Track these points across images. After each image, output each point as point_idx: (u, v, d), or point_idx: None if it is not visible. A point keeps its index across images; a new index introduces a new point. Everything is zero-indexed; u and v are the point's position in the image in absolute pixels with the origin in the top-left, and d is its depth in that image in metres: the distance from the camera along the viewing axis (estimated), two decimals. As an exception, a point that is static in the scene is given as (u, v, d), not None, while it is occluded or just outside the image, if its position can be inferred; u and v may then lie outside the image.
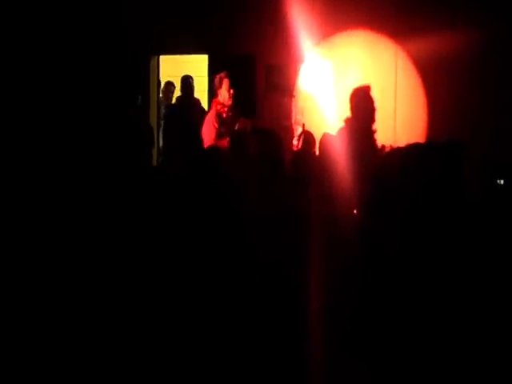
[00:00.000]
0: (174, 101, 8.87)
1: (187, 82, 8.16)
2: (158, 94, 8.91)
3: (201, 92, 8.66)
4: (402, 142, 4.87)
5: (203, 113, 8.14)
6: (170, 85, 9.29)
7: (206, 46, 8.35)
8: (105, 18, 8.42)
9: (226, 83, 6.57)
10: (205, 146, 6.13)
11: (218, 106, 6.50)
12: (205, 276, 3.29)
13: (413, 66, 7.57)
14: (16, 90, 7.83)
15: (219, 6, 8.26)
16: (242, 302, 3.21)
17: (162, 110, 8.90)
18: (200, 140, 6.97)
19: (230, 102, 6.51)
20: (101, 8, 8.42)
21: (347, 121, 5.46)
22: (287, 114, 7.92)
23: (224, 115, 6.44)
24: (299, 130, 6.97)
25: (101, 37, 8.44)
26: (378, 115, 5.48)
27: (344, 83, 7.60)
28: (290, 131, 7.55)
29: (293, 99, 8.04)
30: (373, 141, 5.43)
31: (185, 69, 9.15)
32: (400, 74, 7.69)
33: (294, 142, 6.41)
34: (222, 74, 6.68)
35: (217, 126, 6.33)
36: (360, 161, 4.66)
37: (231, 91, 6.53)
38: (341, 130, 5.46)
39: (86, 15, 8.39)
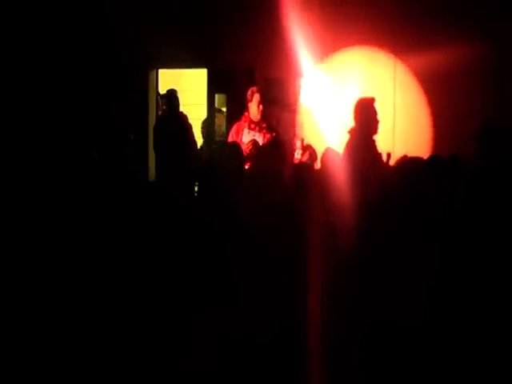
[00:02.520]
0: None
1: (171, 95, 8.29)
2: (157, 107, 9.20)
3: (199, 105, 9.09)
4: (399, 155, 5.18)
5: (188, 126, 8.42)
6: (163, 98, 9.16)
7: (205, 60, 8.65)
8: (102, 31, 8.72)
9: (256, 98, 6.63)
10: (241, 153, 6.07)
11: (243, 120, 6.63)
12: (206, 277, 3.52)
13: (411, 81, 7.93)
14: (16, 106, 8.06)
15: (218, 20, 8.58)
16: (242, 303, 3.41)
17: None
18: (185, 154, 7.35)
19: (258, 117, 6.59)
20: (98, 21, 8.71)
21: (352, 131, 5.89)
22: (286, 128, 8.20)
23: (248, 129, 6.57)
24: (298, 144, 7.29)
25: (97, 51, 8.75)
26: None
27: (343, 98, 7.98)
28: (289, 145, 7.64)
29: (292, 113, 8.40)
30: (375, 151, 5.79)
31: (184, 83, 9.63)
32: (398, 89, 8.04)
33: (297, 155, 6.79)
34: (254, 88, 6.74)
35: (235, 138, 6.52)
36: (364, 170, 5.04)
37: (260, 107, 6.60)
38: (347, 142, 5.91)
39: (83, 29, 8.72)
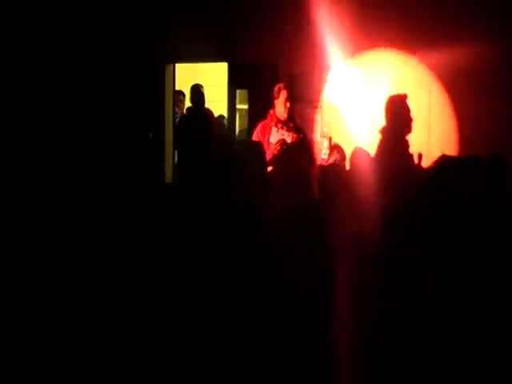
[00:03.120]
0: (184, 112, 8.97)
1: (197, 91, 8.21)
2: (174, 104, 8.99)
3: (220, 102, 8.85)
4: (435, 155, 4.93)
5: (216, 124, 8.40)
6: (179, 94, 9.26)
7: (226, 54, 8.44)
8: (117, 23, 8.52)
9: (283, 95, 6.46)
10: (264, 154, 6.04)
11: (268, 119, 6.47)
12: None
13: (441, 81, 7.74)
14: (20, 101, 7.92)
15: (240, 12, 8.40)
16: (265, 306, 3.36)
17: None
18: (212, 153, 7.09)
19: (285, 116, 6.42)
20: (114, 13, 8.51)
21: (383, 131, 5.66)
22: (312, 126, 8.04)
23: (274, 128, 6.39)
24: (325, 143, 7.11)
25: (112, 43, 8.56)
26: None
27: (373, 95, 7.86)
28: (315, 144, 7.64)
29: (318, 111, 8.20)
30: (407, 150, 5.57)
31: (203, 78, 9.39)
32: (434, 90, 7.83)
33: (323, 156, 6.52)
34: (281, 85, 6.56)
35: (260, 136, 6.33)
36: (395, 173, 4.83)
37: (287, 104, 6.42)
38: (378, 143, 5.64)
39: (96, 20, 8.51)
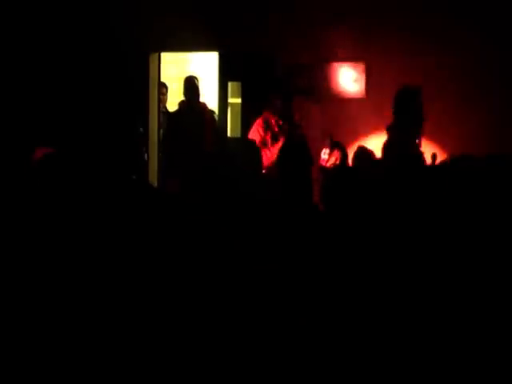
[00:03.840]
0: (170, 105, 8.67)
1: (191, 83, 7.94)
2: (159, 97, 8.59)
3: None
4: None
5: (212, 120, 8.09)
6: (161, 86, 8.83)
7: (216, 42, 8.10)
8: (96, 8, 8.13)
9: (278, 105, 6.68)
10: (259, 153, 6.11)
11: (267, 114, 6.58)
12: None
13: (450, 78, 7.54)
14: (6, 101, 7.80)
15: None
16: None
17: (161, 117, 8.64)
18: (208, 153, 6.78)
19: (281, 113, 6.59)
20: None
21: (391, 128, 5.31)
22: (313, 122, 7.69)
23: (272, 123, 6.51)
24: (326, 142, 6.78)
25: (91, 31, 8.16)
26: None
27: (379, 88, 7.62)
28: (316, 142, 7.34)
29: (320, 105, 7.92)
30: (417, 150, 5.34)
31: (190, 68, 9.10)
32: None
33: (323, 155, 6.19)
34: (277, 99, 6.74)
35: (262, 133, 6.42)
36: (404, 176, 4.45)
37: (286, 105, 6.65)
38: (385, 142, 5.30)
39: (74, 5, 8.13)
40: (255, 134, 6.52)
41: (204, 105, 8.13)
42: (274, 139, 6.49)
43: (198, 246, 3.52)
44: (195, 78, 8.07)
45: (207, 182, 4.26)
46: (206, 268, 3.41)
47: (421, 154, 5.28)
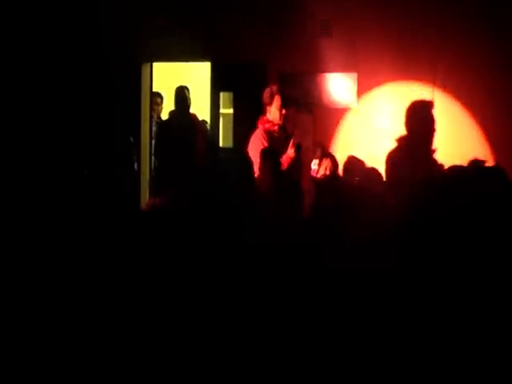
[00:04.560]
0: (165, 116, 8.68)
1: (182, 94, 7.92)
2: (151, 107, 8.67)
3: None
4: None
5: (203, 131, 8.10)
6: (155, 96, 8.93)
7: (209, 52, 8.12)
8: (89, 18, 8.16)
9: (277, 100, 6.32)
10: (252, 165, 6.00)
11: (267, 125, 6.32)
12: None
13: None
14: None
15: (224, 6, 8.06)
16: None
17: (153, 127, 8.65)
18: (198, 165, 6.83)
19: (279, 122, 6.31)
20: (85, 7, 8.14)
21: (401, 140, 5.28)
22: (304, 133, 7.48)
23: (275, 134, 6.31)
24: (318, 152, 6.78)
25: (83, 41, 8.22)
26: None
27: (373, 98, 7.68)
28: (307, 153, 7.32)
29: (311, 115, 7.92)
30: (432, 163, 5.20)
31: (182, 78, 9.01)
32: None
33: (313, 166, 6.19)
34: (274, 89, 6.41)
35: (266, 144, 6.18)
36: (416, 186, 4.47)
37: (283, 112, 6.32)
38: (393, 151, 5.25)
39: (66, 16, 8.17)
40: (258, 145, 6.23)
41: (194, 115, 8.11)
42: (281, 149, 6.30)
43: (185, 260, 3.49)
44: (186, 88, 8.05)
45: (199, 197, 4.23)
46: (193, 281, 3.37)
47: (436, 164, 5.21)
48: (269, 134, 6.25)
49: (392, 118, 7.47)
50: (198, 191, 4.33)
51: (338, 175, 5.94)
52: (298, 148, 6.10)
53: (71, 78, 8.17)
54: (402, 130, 6.98)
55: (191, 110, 8.22)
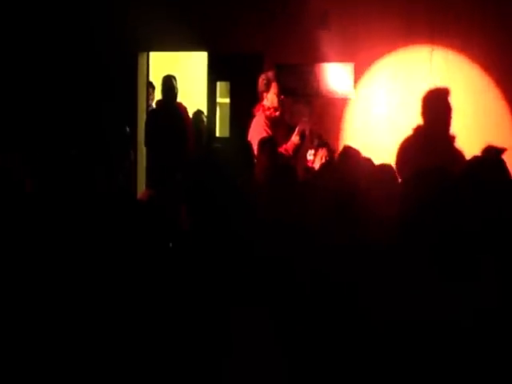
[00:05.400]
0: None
1: (169, 83, 7.93)
2: (148, 97, 8.72)
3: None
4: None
5: (187, 121, 8.11)
6: (147, 86, 8.89)
7: (206, 42, 8.14)
8: (85, 7, 8.20)
9: (274, 87, 6.40)
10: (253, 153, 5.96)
11: (267, 112, 6.36)
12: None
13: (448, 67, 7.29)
14: None
15: None
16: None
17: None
18: (184, 152, 6.90)
19: (279, 108, 6.39)
20: None
21: (417, 129, 5.26)
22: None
23: (275, 118, 6.36)
24: (314, 142, 6.78)
25: (79, 30, 8.25)
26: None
27: (370, 88, 7.69)
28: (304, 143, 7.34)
29: (309, 106, 7.92)
30: (451, 152, 5.19)
31: (180, 68, 9.10)
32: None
33: (309, 156, 6.19)
34: (270, 75, 6.46)
35: (270, 131, 6.20)
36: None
37: (282, 97, 6.40)
38: (408, 139, 5.24)
39: (61, 4, 8.23)
40: (261, 133, 6.23)
41: (180, 104, 8.10)
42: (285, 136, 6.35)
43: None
44: (173, 77, 8.05)
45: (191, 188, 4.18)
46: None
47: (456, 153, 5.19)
48: (271, 121, 6.28)
49: (390, 108, 7.55)
50: (189, 182, 4.29)
51: (333, 165, 5.79)
52: (302, 135, 6.13)
53: (67, 68, 8.21)
54: (400, 119, 7.04)
55: (193, 101, 8.48)
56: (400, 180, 4.71)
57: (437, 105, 5.29)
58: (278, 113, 6.33)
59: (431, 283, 3.15)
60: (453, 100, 5.76)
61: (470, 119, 6.76)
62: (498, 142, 6.85)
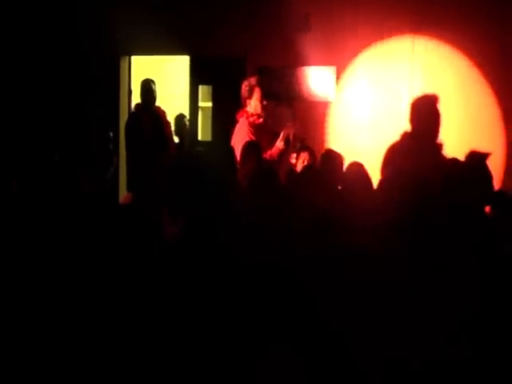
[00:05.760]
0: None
1: (147, 86, 7.80)
2: (130, 100, 8.69)
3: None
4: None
5: (166, 124, 7.96)
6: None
7: (188, 46, 8.15)
8: (67, 11, 8.21)
9: (257, 93, 6.34)
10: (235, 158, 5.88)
11: (251, 118, 6.32)
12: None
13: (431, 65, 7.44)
14: None
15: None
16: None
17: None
18: (165, 155, 6.93)
19: (262, 114, 6.34)
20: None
21: (405, 134, 5.28)
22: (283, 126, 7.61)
23: (258, 124, 6.34)
24: (297, 146, 6.80)
25: (60, 34, 8.25)
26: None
27: (351, 91, 7.73)
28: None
29: (291, 109, 7.93)
30: (440, 158, 5.16)
31: (162, 72, 9.08)
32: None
33: (292, 160, 6.21)
34: (253, 81, 6.40)
35: (253, 137, 6.16)
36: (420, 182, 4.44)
37: (264, 102, 6.35)
38: (395, 144, 5.26)
39: (43, 8, 8.22)
40: (245, 138, 6.18)
41: (159, 108, 7.99)
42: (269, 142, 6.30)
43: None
44: (151, 81, 7.93)
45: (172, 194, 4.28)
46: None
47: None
48: (254, 127, 6.24)
49: (372, 110, 7.60)
50: (172, 185, 4.35)
51: (315, 168, 5.73)
52: (287, 140, 6.10)
53: (50, 71, 8.19)
54: (382, 122, 7.06)
55: (175, 105, 8.39)
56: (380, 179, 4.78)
57: (425, 110, 5.28)
58: (261, 120, 6.31)
59: (419, 286, 3.21)
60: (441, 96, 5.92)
61: (455, 109, 6.91)
62: (482, 132, 7.09)
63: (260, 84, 6.39)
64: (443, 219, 3.60)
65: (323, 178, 5.08)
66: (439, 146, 5.18)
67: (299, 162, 6.01)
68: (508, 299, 3.26)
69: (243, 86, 6.40)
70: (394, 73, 7.55)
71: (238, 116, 6.42)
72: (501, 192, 4.46)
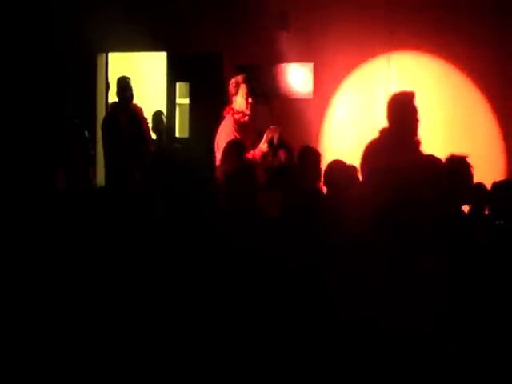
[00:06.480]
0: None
1: (124, 84, 7.78)
2: (107, 98, 8.67)
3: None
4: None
5: (143, 121, 7.98)
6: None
7: (165, 42, 8.15)
8: (41, 8, 8.21)
9: (243, 89, 6.30)
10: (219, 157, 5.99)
11: (236, 116, 6.31)
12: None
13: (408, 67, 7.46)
14: None
15: None
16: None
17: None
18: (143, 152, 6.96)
19: (248, 112, 6.30)
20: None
21: (383, 131, 5.32)
22: (261, 123, 7.27)
23: (243, 122, 6.31)
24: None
25: (35, 31, 8.24)
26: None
27: (328, 88, 7.72)
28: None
29: (269, 106, 7.91)
30: (417, 155, 5.22)
31: (139, 69, 9.11)
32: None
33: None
34: (239, 78, 6.36)
35: (238, 135, 6.16)
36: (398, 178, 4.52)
37: (250, 100, 6.31)
38: (374, 141, 5.31)
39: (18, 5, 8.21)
40: (229, 136, 6.18)
41: (135, 105, 7.95)
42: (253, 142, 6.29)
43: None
44: (128, 78, 7.89)
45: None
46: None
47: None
48: (239, 125, 6.25)
49: (349, 107, 7.64)
50: (150, 181, 4.37)
51: (292, 165, 5.87)
52: (271, 142, 6.09)
53: (26, 69, 8.17)
54: (360, 118, 7.10)
55: (152, 102, 8.40)
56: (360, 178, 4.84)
57: (401, 107, 5.34)
58: (246, 118, 6.30)
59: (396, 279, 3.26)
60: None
61: (431, 113, 6.82)
62: (458, 134, 7.09)
63: (247, 81, 6.38)
64: (417, 217, 3.65)
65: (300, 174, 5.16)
66: (417, 143, 5.25)
67: (276, 159, 6.02)
68: (482, 290, 3.35)
69: (230, 83, 6.41)
70: (372, 70, 7.58)
71: (224, 112, 6.44)
72: (479, 187, 4.55)
